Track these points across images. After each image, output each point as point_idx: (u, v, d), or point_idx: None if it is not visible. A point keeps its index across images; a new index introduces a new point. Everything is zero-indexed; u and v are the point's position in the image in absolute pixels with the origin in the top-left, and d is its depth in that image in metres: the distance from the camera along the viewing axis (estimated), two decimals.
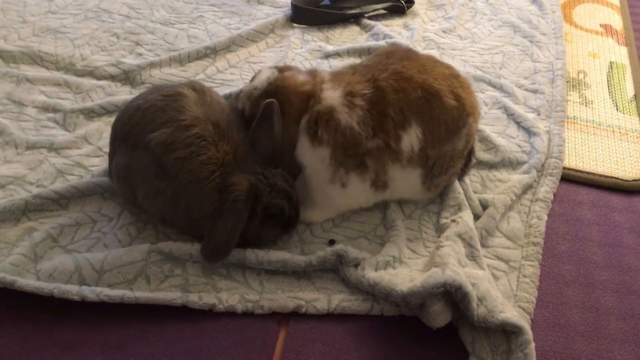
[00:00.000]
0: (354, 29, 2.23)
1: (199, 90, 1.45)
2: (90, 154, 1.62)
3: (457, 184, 1.58)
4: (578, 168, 1.76)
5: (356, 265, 1.39)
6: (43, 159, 1.60)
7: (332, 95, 1.44)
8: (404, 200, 1.57)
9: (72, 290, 1.29)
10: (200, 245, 1.36)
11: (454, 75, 1.51)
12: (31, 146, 1.63)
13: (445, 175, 1.53)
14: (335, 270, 1.41)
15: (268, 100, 1.37)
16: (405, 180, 1.49)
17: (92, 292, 1.29)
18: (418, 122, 1.44)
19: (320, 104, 1.43)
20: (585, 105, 2.00)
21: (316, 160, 1.43)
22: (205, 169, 1.33)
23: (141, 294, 1.31)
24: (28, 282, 1.30)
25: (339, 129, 1.41)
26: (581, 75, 2.13)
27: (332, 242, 1.47)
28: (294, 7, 2.21)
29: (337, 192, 1.46)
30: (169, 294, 1.32)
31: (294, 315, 1.34)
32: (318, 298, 1.36)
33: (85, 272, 1.33)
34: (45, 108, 1.75)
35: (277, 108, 1.37)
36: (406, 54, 1.53)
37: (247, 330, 1.30)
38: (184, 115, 1.36)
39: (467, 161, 1.60)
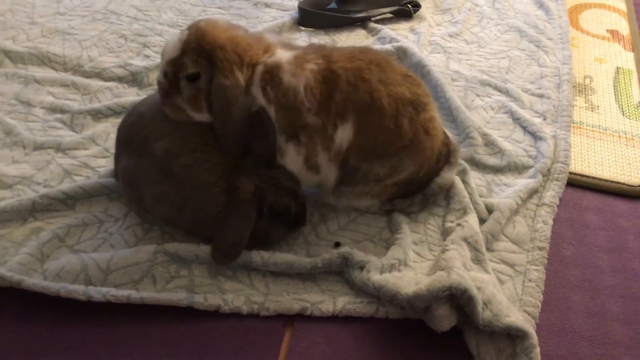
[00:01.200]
0: (360, 33, 2.23)
1: None
2: (97, 155, 1.63)
3: (462, 187, 1.58)
4: (584, 173, 1.76)
5: (361, 268, 1.39)
6: (50, 160, 1.60)
7: (283, 55, 1.40)
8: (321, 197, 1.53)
9: (79, 290, 1.30)
10: (206, 246, 1.37)
11: (414, 103, 1.43)
12: (39, 147, 1.64)
13: (354, 187, 1.46)
14: (341, 272, 1.41)
15: (257, 108, 1.34)
16: (327, 174, 1.45)
17: (98, 292, 1.30)
18: (354, 123, 1.40)
19: (271, 58, 1.38)
20: (592, 111, 2.00)
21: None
22: (212, 175, 1.34)
23: (147, 294, 1.31)
24: (35, 281, 1.31)
25: (281, 87, 1.36)
26: (587, 81, 2.13)
27: (337, 245, 1.47)
28: (301, 10, 2.22)
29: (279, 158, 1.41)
30: (175, 295, 1.32)
31: (299, 317, 1.34)
32: (323, 300, 1.36)
33: (92, 272, 1.34)
34: (52, 109, 1.75)
35: (267, 114, 1.35)
36: (380, 61, 1.46)
37: (252, 331, 1.30)
38: (189, 124, 1.37)
39: (417, 192, 1.54)
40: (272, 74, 1.37)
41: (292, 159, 1.41)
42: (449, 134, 1.59)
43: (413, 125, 1.43)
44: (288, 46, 1.46)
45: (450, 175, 1.57)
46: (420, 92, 1.47)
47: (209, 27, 1.37)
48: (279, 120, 1.38)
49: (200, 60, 1.34)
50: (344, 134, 1.40)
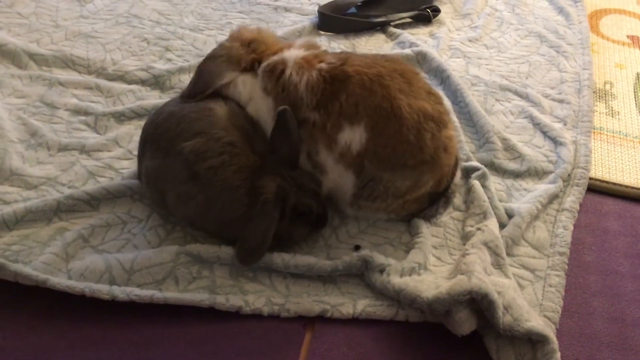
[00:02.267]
0: (380, 37, 2.24)
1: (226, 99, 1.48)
2: (120, 157, 1.65)
3: (482, 191, 1.58)
4: (604, 179, 1.76)
5: (381, 271, 1.40)
6: (75, 161, 1.63)
7: (292, 53, 1.47)
8: (336, 205, 1.53)
9: (103, 289, 1.31)
10: (228, 247, 1.39)
11: (436, 120, 1.43)
12: (63, 148, 1.66)
13: (372, 203, 1.47)
14: (361, 275, 1.42)
15: (281, 108, 1.37)
16: (339, 178, 1.45)
17: (122, 292, 1.31)
18: (368, 128, 1.40)
19: (277, 56, 1.48)
20: (612, 116, 2.00)
21: (264, 109, 1.46)
22: (238, 177, 1.36)
23: (170, 294, 1.33)
24: (60, 280, 1.33)
25: (281, 80, 1.43)
26: (608, 86, 2.12)
27: (357, 248, 1.48)
28: (320, 14, 2.23)
29: None
30: (197, 295, 1.34)
31: (320, 319, 1.35)
32: (343, 303, 1.37)
33: (116, 272, 1.36)
34: (77, 111, 1.78)
35: (291, 114, 1.38)
36: (406, 72, 1.47)
37: (273, 333, 1.32)
38: (217, 127, 1.39)
39: (433, 203, 1.54)
40: (274, 69, 1.45)
41: None
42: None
43: (435, 142, 1.43)
44: (311, 47, 1.50)
45: (459, 174, 1.60)
46: (442, 109, 1.48)
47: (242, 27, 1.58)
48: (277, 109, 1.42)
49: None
50: (353, 137, 1.41)
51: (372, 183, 1.44)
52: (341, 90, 1.41)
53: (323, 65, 1.43)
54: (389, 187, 1.45)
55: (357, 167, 1.43)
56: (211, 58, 1.53)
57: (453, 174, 1.55)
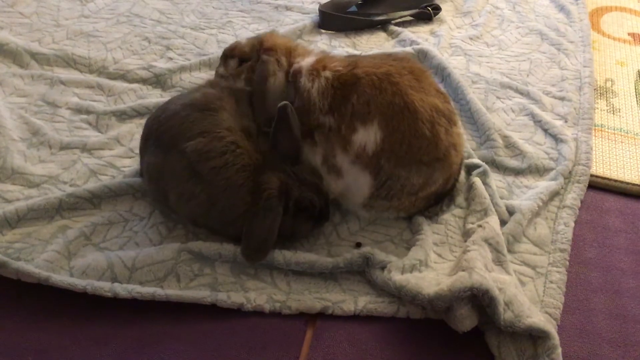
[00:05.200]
0: (380, 35, 2.24)
1: (229, 98, 1.48)
2: (122, 155, 1.66)
3: (483, 188, 1.58)
4: (605, 175, 1.76)
5: (382, 268, 1.40)
6: (76, 159, 1.63)
7: (306, 60, 1.51)
8: (345, 206, 1.53)
9: (105, 287, 1.32)
10: (229, 245, 1.39)
11: (447, 116, 1.46)
12: (65, 146, 1.66)
13: (389, 202, 1.47)
14: (362, 272, 1.42)
15: (282, 103, 1.38)
16: (355, 180, 1.45)
17: (124, 289, 1.32)
18: (382, 126, 1.40)
19: (297, 64, 1.52)
20: (613, 113, 2.00)
21: None
22: (240, 176, 1.36)
23: (171, 291, 1.33)
24: (62, 278, 1.33)
25: (299, 91, 1.47)
26: (609, 84, 2.12)
27: (358, 245, 1.48)
28: (321, 13, 2.23)
29: None
30: (199, 293, 1.34)
31: (321, 316, 1.35)
32: (344, 299, 1.37)
33: (117, 269, 1.36)
34: (78, 110, 1.78)
35: (292, 110, 1.39)
36: (415, 69, 1.49)
37: (274, 329, 1.32)
38: (220, 127, 1.39)
39: (437, 202, 1.55)
40: (295, 78, 1.49)
41: (307, 157, 1.46)
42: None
43: (448, 138, 1.45)
44: (320, 53, 1.55)
45: (462, 172, 1.62)
46: (451, 108, 1.50)
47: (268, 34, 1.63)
48: None
49: (254, 48, 1.60)
50: (367, 137, 1.41)
51: (389, 182, 1.44)
52: (352, 92, 1.42)
53: (328, 74, 1.45)
54: (405, 185, 1.45)
55: (374, 168, 1.43)
56: (266, 76, 1.53)
57: (459, 173, 1.57)
